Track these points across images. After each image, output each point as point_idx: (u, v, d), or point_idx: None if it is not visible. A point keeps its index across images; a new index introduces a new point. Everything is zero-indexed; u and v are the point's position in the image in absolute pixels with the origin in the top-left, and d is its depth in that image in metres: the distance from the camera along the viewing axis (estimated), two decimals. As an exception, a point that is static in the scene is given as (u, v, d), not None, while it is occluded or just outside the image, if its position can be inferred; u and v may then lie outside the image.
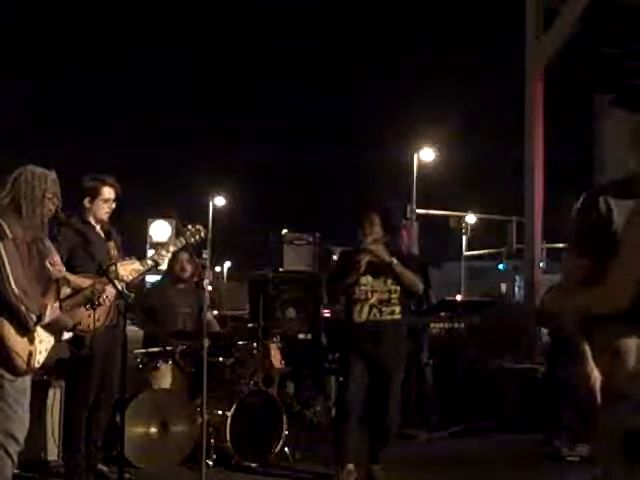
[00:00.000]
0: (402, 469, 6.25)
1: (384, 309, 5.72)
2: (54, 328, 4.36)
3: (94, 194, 5.55)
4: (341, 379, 5.96)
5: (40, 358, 4.27)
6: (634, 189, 3.10)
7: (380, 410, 5.78)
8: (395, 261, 5.67)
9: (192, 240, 5.74)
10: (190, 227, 5.74)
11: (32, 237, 4.30)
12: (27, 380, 4.33)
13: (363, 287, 5.72)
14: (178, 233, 5.94)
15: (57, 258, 4.53)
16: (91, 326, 5.23)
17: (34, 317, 4.19)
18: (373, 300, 5.71)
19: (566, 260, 3.30)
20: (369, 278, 5.72)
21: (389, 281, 5.73)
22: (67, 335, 4.54)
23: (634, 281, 3.02)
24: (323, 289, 7.21)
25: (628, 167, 3.20)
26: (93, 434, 5.53)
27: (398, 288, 5.74)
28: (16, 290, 4.11)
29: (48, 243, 4.48)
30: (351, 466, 5.69)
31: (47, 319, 4.25)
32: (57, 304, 4.41)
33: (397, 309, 5.76)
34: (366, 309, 5.71)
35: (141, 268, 5.54)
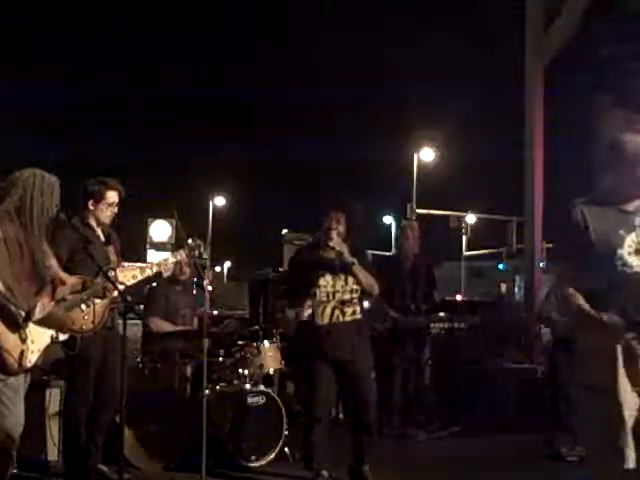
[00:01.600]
0: (402, 469, 6.25)
1: (346, 310, 5.62)
2: (48, 325, 4.36)
3: (98, 197, 5.54)
4: (307, 385, 5.80)
5: (32, 357, 4.27)
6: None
7: (359, 410, 5.69)
8: (356, 262, 5.57)
9: (192, 253, 5.73)
10: (190, 241, 5.73)
11: (26, 237, 4.31)
12: (21, 379, 4.33)
13: (323, 288, 5.60)
14: (178, 240, 5.96)
15: (53, 262, 4.55)
16: (84, 327, 5.24)
17: (22, 313, 4.20)
18: (334, 302, 5.60)
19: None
20: (328, 278, 5.61)
21: (350, 281, 5.63)
22: (63, 336, 4.54)
23: None
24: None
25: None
26: (93, 434, 5.53)
27: (359, 288, 5.66)
28: (1, 287, 4.13)
29: (44, 247, 4.48)
30: (325, 472, 5.60)
31: (38, 316, 4.26)
32: (52, 303, 4.41)
33: (358, 309, 5.68)
34: (328, 311, 5.60)
35: (139, 276, 5.53)
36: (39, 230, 4.40)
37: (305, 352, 5.77)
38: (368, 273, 5.68)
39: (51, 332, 4.43)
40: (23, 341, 4.21)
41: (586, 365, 3.64)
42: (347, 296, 5.64)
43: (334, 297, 5.62)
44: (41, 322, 4.32)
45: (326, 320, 5.60)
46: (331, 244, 5.58)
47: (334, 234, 5.57)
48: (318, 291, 5.60)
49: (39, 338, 4.31)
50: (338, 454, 5.71)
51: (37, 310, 4.26)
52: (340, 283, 5.63)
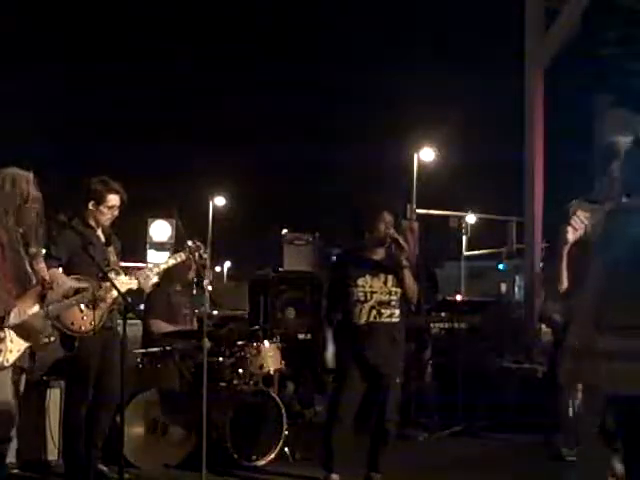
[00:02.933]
0: (402, 469, 6.26)
1: (383, 311, 5.60)
2: (24, 331, 4.34)
3: (99, 199, 5.53)
4: (335, 383, 5.83)
5: (10, 357, 4.25)
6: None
7: (379, 415, 5.67)
8: (407, 264, 5.59)
9: (193, 255, 5.72)
10: (190, 243, 5.73)
11: (9, 239, 4.30)
12: (7, 377, 4.33)
13: (361, 288, 5.60)
14: (178, 240, 5.96)
15: (43, 265, 4.53)
16: (83, 327, 5.25)
17: None
18: (372, 301, 5.59)
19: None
20: (367, 278, 5.60)
21: (389, 282, 5.62)
22: (45, 339, 4.51)
23: None
24: (323, 296, 7.04)
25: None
26: (94, 435, 5.53)
27: (399, 290, 5.64)
28: None
29: (34, 250, 4.47)
30: (336, 476, 5.59)
31: (12, 321, 4.23)
32: (37, 308, 4.39)
33: (396, 312, 5.65)
34: (365, 311, 5.59)
35: (134, 287, 5.55)
36: (23, 230, 4.39)
37: (340, 350, 5.75)
38: (413, 278, 5.68)
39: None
40: (1, 340, 4.20)
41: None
42: (385, 297, 5.61)
43: (372, 297, 5.59)
44: (19, 326, 4.29)
45: (364, 319, 5.58)
46: (395, 236, 5.55)
47: (392, 231, 5.59)
48: (355, 290, 5.59)
49: (19, 339, 4.29)
50: (357, 459, 5.69)
51: (12, 316, 4.23)
52: (379, 284, 5.61)
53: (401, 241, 5.60)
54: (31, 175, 4.48)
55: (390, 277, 5.62)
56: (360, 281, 5.60)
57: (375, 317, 5.59)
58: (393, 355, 5.66)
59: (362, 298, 5.60)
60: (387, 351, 5.60)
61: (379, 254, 5.68)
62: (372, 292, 5.61)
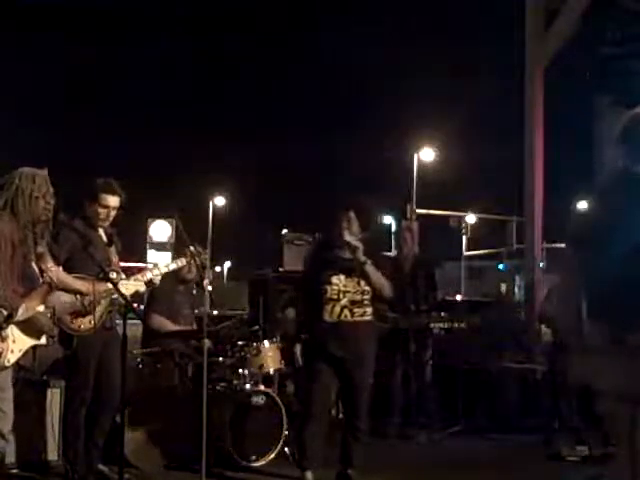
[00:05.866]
0: (402, 469, 6.26)
1: (355, 310, 5.57)
2: (29, 329, 4.35)
3: (99, 199, 5.52)
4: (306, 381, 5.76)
5: (12, 357, 4.27)
6: None
7: (351, 414, 5.67)
8: (369, 262, 5.53)
9: (194, 260, 5.73)
10: (192, 248, 5.73)
11: (20, 238, 4.31)
12: (8, 376, 4.33)
13: (335, 287, 5.56)
14: (178, 240, 5.97)
15: (50, 264, 4.54)
16: (83, 326, 5.25)
17: (4, 312, 4.19)
18: (345, 301, 5.56)
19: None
20: (341, 277, 5.57)
21: (362, 282, 5.58)
22: (43, 340, 4.53)
23: None
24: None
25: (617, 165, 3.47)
26: (94, 435, 5.53)
27: (370, 289, 5.60)
28: None
29: (41, 249, 4.48)
30: (309, 474, 5.56)
31: (19, 317, 4.25)
32: (42, 307, 4.40)
33: (368, 310, 5.63)
34: (337, 309, 5.55)
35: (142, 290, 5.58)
36: (34, 229, 4.40)
37: (308, 348, 5.74)
38: (381, 274, 5.62)
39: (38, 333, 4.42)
40: (3, 340, 4.20)
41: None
42: (358, 297, 5.59)
43: (345, 296, 5.57)
44: (24, 323, 4.31)
45: (334, 318, 5.56)
46: (347, 239, 5.52)
47: (346, 233, 5.54)
48: (329, 288, 5.57)
49: (22, 338, 4.30)
50: (332, 455, 5.67)
51: (19, 312, 4.25)
52: (352, 283, 5.58)
53: (352, 243, 5.52)
54: (46, 173, 4.50)
55: (362, 275, 5.56)
56: (334, 279, 5.57)
57: (346, 316, 5.55)
58: (364, 353, 5.61)
59: (335, 297, 5.56)
60: (357, 348, 5.56)
61: (347, 252, 5.61)
62: (345, 291, 5.57)
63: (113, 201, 5.54)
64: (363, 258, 5.52)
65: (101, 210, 5.52)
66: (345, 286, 5.58)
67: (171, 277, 7.14)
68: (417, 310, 7.92)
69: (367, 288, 5.60)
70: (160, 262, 6.13)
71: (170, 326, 6.94)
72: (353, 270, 5.58)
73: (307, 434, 5.58)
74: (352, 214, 5.60)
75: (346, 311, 5.56)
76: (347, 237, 5.54)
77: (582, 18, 9.56)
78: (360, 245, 5.54)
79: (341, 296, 5.57)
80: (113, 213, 5.59)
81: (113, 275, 5.23)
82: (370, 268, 5.54)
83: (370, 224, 5.77)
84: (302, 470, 5.60)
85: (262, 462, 6.22)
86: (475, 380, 8.35)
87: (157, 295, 7.06)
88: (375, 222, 5.81)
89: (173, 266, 5.84)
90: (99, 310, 5.32)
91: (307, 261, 6.07)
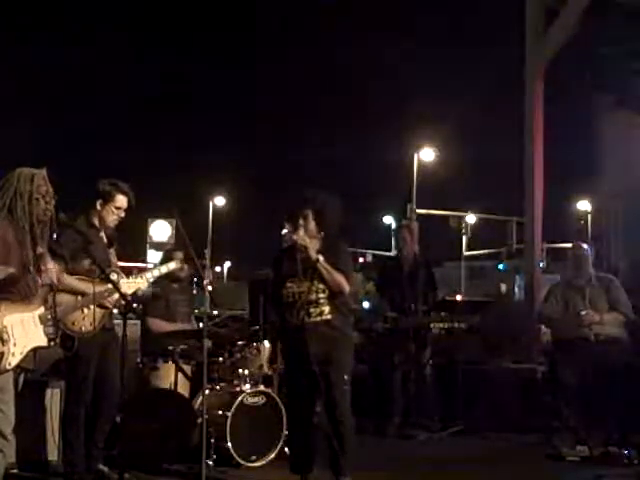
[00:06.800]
0: (402, 469, 6.26)
1: (312, 310, 5.43)
2: (30, 331, 4.34)
3: (107, 198, 5.55)
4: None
5: (13, 360, 4.25)
6: None
7: (331, 409, 5.45)
8: (321, 259, 5.41)
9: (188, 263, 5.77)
10: (180, 255, 5.76)
11: (21, 240, 4.31)
12: (10, 378, 4.33)
13: (290, 290, 5.49)
14: (178, 240, 5.99)
15: (51, 265, 4.54)
16: (83, 328, 5.25)
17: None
18: (300, 302, 5.44)
19: None
20: (295, 279, 5.47)
21: (316, 281, 5.45)
22: (44, 342, 4.52)
23: None
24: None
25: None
26: (94, 434, 5.53)
27: (326, 287, 5.47)
28: None
29: (41, 250, 4.47)
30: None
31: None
32: (42, 309, 4.40)
33: (326, 309, 5.46)
34: (295, 312, 5.45)
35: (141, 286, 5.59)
36: (34, 230, 4.39)
37: (282, 353, 5.71)
38: (338, 270, 5.46)
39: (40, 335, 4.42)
40: (4, 343, 4.20)
41: None
42: (313, 296, 5.44)
43: (300, 298, 5.46)
44: (23, 327, 4.31)
45: (296, 321, 5.45)
46: (295, 237, 5.45)
47: (301, 231, 5.46)
48: (285, 292, 5.51)
49: (22, 341, 4.29)
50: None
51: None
52: (306, 284, 5.45)
53: (300, 242, 5.44)
54: (45, 172, 4.50)
55: (316, 274, 5.45)
56: (288, 283, 5.51)
57: (304, 318, 5.43)
58: (330, 352, 5.43)
59: (291, 299, 5.49)
60: (323, 348, 5.39)
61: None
62: (300, 293, 5.46)
63: (125, 202, 5.59)
64: (315, 256, 5.40)
65: (115, 211, 5.56)
66: (299, 287, 5.47)
67: (162, 277, 7.16)
68: (417, 310, 7.92)
69: (322, 286, 5.45)
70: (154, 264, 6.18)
71: (167, 327, 6.95)
72: (307, 270, 5.46)
73: (293, 439, 5.61)
74: (309, 212, 5.53)
75: (302, 313, 5.43)
76: (296, 236, 5.46)
77: (582, 18, 9.56)
78: (308, 243, 5.43)
79: (297, 297, 5.47)
80: (123, 214, 5.63)
81: (114, 276, 5.23)
82: (322, 265, 5.41)
83: (330, 223, 5.61)
84: (293, 474, 5.59)
85: (262, 462, 6.22)
86: (475, 380, 8.35)
87: (154, 295, 7.07)
88: (337, 220, 5.64)
89: (164, 269, 5.87)
90: (99, 311, 5.32)
91: (271, 265, 5.94)
